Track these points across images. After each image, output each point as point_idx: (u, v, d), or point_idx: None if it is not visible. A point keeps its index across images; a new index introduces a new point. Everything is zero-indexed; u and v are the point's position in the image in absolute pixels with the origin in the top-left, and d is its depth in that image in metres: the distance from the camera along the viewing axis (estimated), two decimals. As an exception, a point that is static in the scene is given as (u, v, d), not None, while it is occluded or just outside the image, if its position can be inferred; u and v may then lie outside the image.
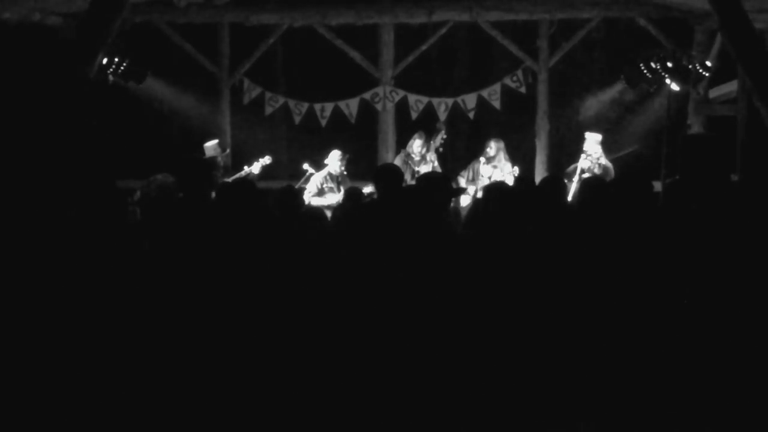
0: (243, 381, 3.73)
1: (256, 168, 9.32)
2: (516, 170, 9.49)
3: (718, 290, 3.86)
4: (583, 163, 9.27)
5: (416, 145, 9.43)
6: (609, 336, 3.73)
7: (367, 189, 9.10)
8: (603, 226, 4.16)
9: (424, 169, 9.26)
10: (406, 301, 3.77)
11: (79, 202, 4.35)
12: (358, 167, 10.05)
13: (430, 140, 9.41)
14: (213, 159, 9.33)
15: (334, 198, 8.96)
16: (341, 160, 9.26)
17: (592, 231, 4.15)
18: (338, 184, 9.21)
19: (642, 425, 3.64)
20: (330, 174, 9.25)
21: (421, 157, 9.35)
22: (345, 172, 9.31)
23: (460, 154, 12.62)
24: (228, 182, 8.55)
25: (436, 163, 9.34)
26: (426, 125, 10.06)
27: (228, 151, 10.14)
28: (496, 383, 3.66)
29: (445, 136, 9.41)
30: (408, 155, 9.44)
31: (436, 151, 9.36)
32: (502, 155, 9.51)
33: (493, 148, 9.50)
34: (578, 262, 3.92)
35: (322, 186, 9.17)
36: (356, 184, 9.36)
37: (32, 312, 3.81)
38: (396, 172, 5.10)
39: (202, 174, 4.79)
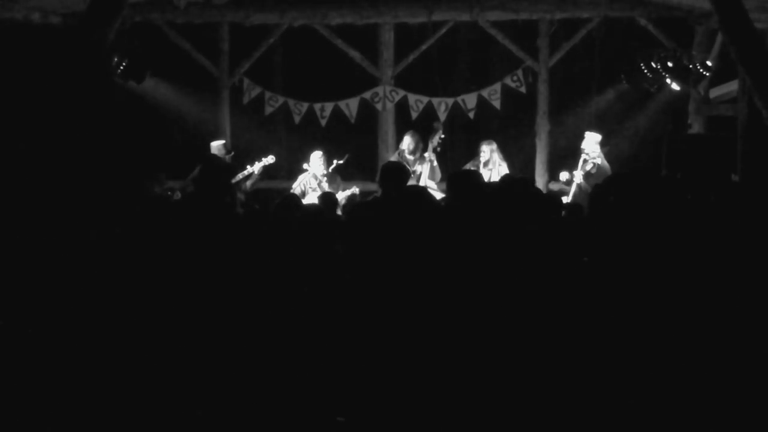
0: (251, 381, 3.73)
1: (257, 168, 9.32)
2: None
3: (719, 291, 3.85)
4: (584, 163, 9.26)
5: (405, 143, 9.44)
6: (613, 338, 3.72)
7: (347, 192, 9.10)
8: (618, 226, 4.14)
9: (420, 168, 9.24)
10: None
11: (87, 202, 4.35)
12: (358, 167, 10.05)
13: (428, 140, 9.39)
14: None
15: (316, 198, 8.99)
16: (322, 158, 9.29)
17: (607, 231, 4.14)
18: (319, 184, 9.23)
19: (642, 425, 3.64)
20: (314, 175, 9.28)
21: (415, 155, 9.32)
22: (326, 172, 9.30)
23: (461, 154, 12.63)
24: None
25: (435, 163, 9.32)
26: (426, 125, 10.05)
27: (233, 152, 10.16)
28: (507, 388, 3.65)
29: (443, 136, 9.39)
30: (401, 154, 9.43)
31: (434, 150, 9.33)
32: (496, 156, 9.47)
33: (486, 151, 9.47)
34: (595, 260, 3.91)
35: (305, 187, 9.20)
36: (356, 184, 9.40)
37: (39, 311, 3.82)
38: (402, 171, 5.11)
39: (222, 175, 4.76)
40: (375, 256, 3.93)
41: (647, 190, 4.24)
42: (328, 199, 7.62)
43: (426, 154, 9.30)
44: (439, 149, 9.33)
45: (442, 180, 9.39)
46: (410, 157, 9.33)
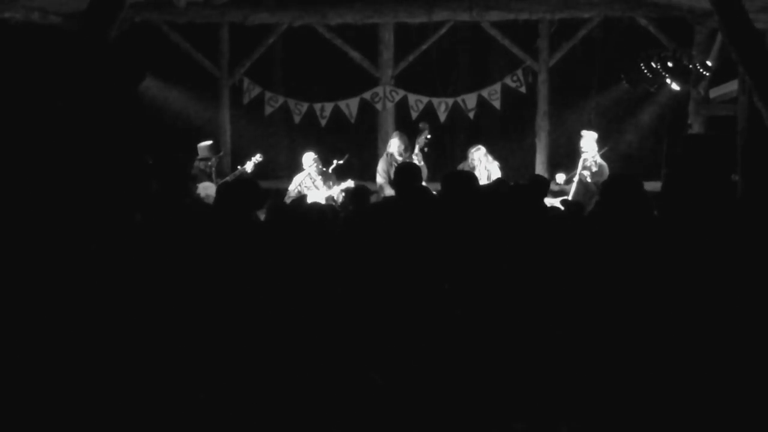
0: (247, 381, 3.73)
1: (249, 167, 9.33)
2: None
3: (719, 292, 3.85)
4: (584, 163, 9.26)
5: (394, 145, 9.43)
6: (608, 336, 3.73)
7: (342, 186, 9.14)
8: (616, 225, 4.15)
9: None
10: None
11: (85, 204, 4.35)
12: (358, 167, 10.05)
13: (415, 140, 9.37)
14: (204, 159, 9.34)
15: (313, 196, 9.01)
16: (315, 160, 9.33)
17: (606, 231, 4.15)
18: (313, 183, 9.26)
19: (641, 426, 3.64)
20: (309, 175, 9.32)
21: (403, 156, 9.32)
22: (322, 170, 9.31)
23: (460, 154, 12.64)
24: (228, 181, 8.57)
25: (422, 163, 9.28)
26: (413, 125, 10.01)
27: (222, 153, 10.14)
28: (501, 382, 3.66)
29: (429, 136, 9.35)
30: (391, 156, 9.40)
31: (421, 150, 9.31)
32: (484, 161, 9.44)
33: (475, 158, 9.45)
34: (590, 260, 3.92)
35: (301, 187, 9.23)
36: (357, 183, 9.38)
37: (34, 310, 3.82)
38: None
39: (180, 173, 4.79)
40: (397, 253, 3.95)
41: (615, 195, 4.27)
42: (360, 192, 7.55)
43: (413, 155, 9.28)
44: (426, 149, 9.29)
45: (428, 179, 9.38)
46: (400, 159, 9.31)
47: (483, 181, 9.25)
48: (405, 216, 4.32)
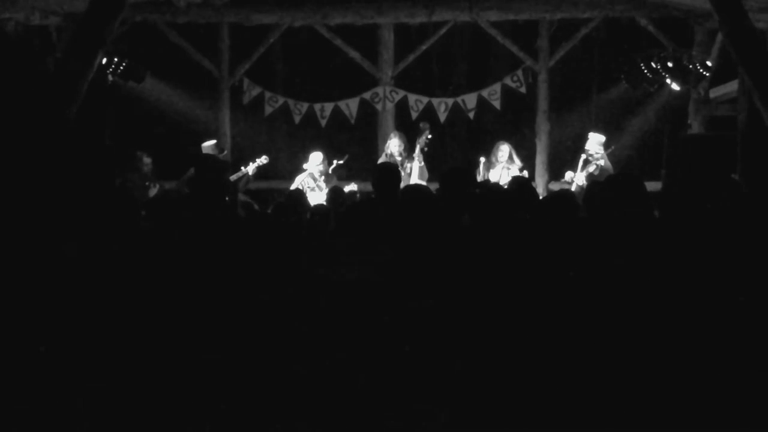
0: (244, 383, 3.72)
1: (251, 168, 9.33)
2: (525, 173, 9.41)
3: (719, 293, 3.84)
4: (585, 164, 9.24)
5: (393, 144, 9.37)
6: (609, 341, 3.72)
7: (349, 188, 9.15)
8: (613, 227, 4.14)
9: (409, 168, 9.15)
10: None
11: (81, 202, 4.34)
12: (358, 167, 10.05)
13: (416, 140, 9.34)
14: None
15: (316, 197, 9.01)
16: (323, 161, 9.31)
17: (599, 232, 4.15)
18: (316, 183, 9.26)
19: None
20: (312, 175, 9.30)
21: (403, 156, 9.29)
22: (323, 173, 9.31)
23: (460, 154, 12.65)
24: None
25: (422, 163, 9.25)
26: (413, 125, 10.00)
27: (226, 152, 10.14)
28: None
29: (430, 136, 9.32)
30: (391, 156, 9.36)
31: (422, 150, 9.27)
32: (507, 161, 9.41)
33: (504, 150, 9.40)
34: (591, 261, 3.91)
35: (303, 186, 9.21)
36: (355, 184, 9.40)
37: (34, 311, 3.81)
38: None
39: (218, 174, 4.75)
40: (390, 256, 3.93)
41: (639, 192, 4.26)
42: (336, 193, 7.60)
43: (414, 155, 9.25)
44: (426, 149, 9.27)
45: (429, 179, 9.37)
46: (399, 159, 9.28)
47: (495, 179, 9.27)
48: (383, 217, 4.30)
